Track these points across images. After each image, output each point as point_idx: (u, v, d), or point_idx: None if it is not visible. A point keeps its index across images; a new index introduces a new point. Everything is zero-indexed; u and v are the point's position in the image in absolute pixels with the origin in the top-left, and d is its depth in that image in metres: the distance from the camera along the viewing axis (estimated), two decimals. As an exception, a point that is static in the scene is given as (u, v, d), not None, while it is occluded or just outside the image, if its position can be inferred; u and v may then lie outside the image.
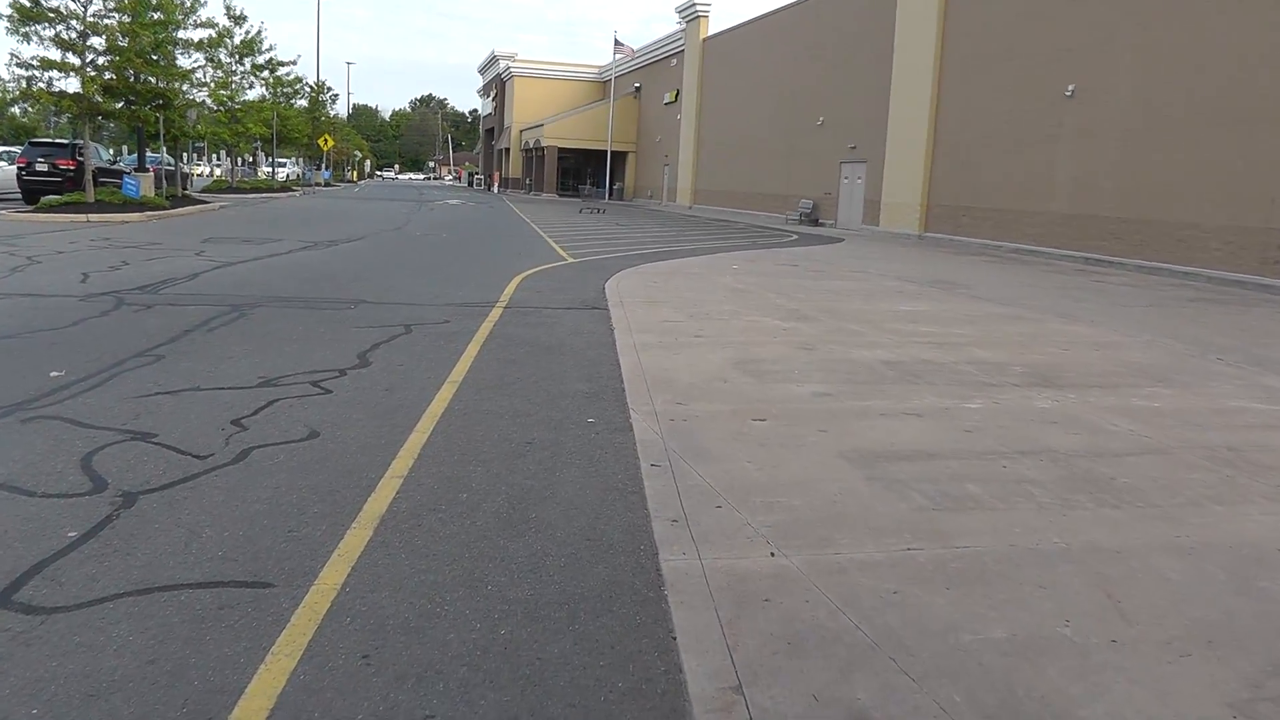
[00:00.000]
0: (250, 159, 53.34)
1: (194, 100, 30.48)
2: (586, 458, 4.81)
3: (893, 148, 27.70)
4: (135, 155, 29.60)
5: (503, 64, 69.79)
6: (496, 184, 70.31)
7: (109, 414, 5.20)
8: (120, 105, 24.06)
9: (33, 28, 21.09)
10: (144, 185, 23.96)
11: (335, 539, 3.62)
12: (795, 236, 26.57)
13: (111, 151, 44.11)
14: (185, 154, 45.53)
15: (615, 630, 3.00)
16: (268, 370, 6.46)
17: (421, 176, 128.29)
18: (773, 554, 3.56)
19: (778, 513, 4.00)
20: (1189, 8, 17.63)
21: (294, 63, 50.11)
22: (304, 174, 60.78)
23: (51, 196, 21.83)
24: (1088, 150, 20.03)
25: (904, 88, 27.04)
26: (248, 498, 4.01)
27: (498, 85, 74.56)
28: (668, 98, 50.93)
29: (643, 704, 2.60)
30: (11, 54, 27.21)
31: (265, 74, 37.30)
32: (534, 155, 64.24)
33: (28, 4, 20.73)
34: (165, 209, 23.15)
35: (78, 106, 21.91)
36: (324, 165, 65.15)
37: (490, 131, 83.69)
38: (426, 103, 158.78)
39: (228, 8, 33.54)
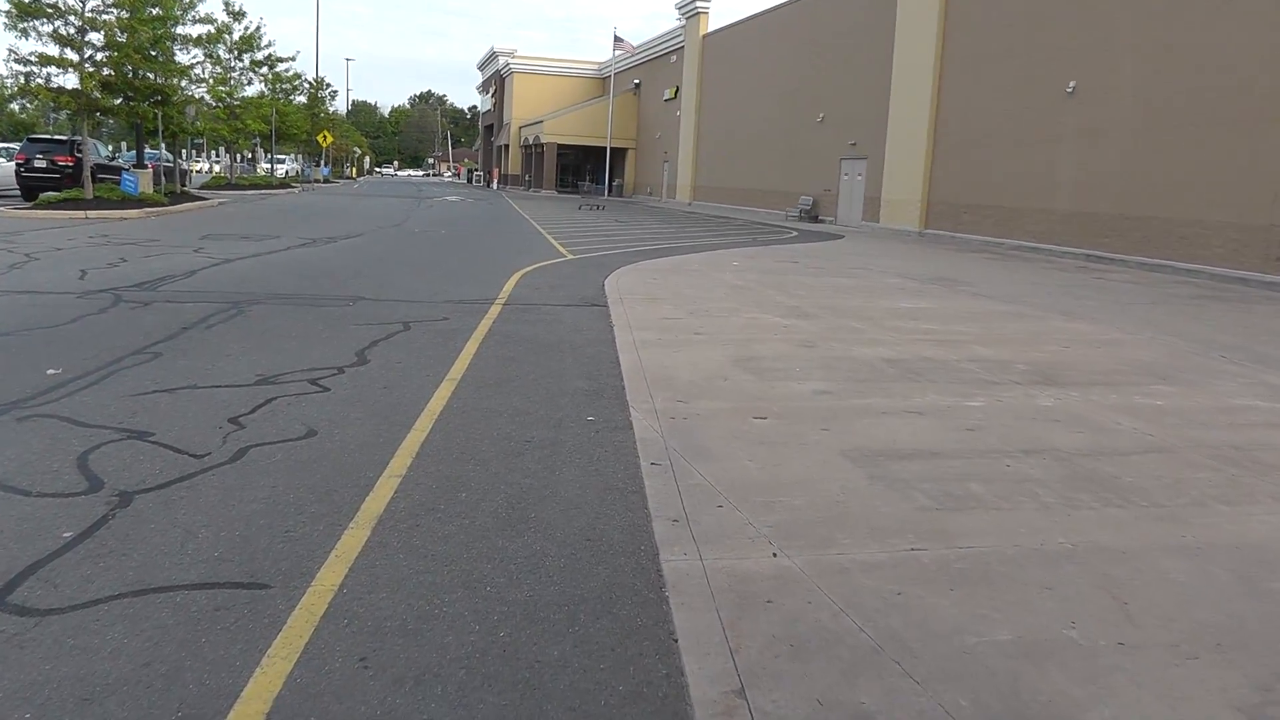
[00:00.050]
0: (249, 155, 53.20)
1: (192, 96, 30.42)
2: (586, 456, 4.78)
3: (893, 144, 27.64)
4: (134, 152, 29.52)
5: (502, 60, 69.66)
6: (496, 181, 70.20)
7: (106, 412, 5.16)
8: (119, 101, 23.99)
9: (31, 23, 21.03)
10: (142, 182, 23.92)
11: (333, 539, 3.58)
12: (795, 233, 26.53)
13: (110, 148, 44.05)
14: (184, 150, 45.49)
15: (615, 632, 2.97)
16: (266, 368, 6.43)
17: (421, 173, 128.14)
18: (775, 554, 3.53)
19: (779, 512, 3.97)
20: (1190, 5, 17.57)
21: (293, 59, 50.13)
22: (303, 170, 60.71)
23: (50, 193, 21.79)
24: (1089, 147, 19.97)
25: (905, 84, 26.98)
26: (245, 497, 3.98)
27: (497, 81, 74.43)
28: (667, 94, 50.84)
29: (644, 708, 2.57)
30: (10, 49, 27.07)
31: (264, 70, 37.26)
32: (533, 152, 64.14)
33: (26, -1, 20.68)
34: (164, 205, 23.11)
35: (76, 102, 21.86)
36: (323, 162, 65.07)
37: (489, 128, 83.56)
38: (426, 99, 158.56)
39: (226, 4, 33.52)
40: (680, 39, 48.67)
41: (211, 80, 33.62)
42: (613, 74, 57.21)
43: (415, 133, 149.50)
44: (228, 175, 42.16)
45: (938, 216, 25.71)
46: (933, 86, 25.69)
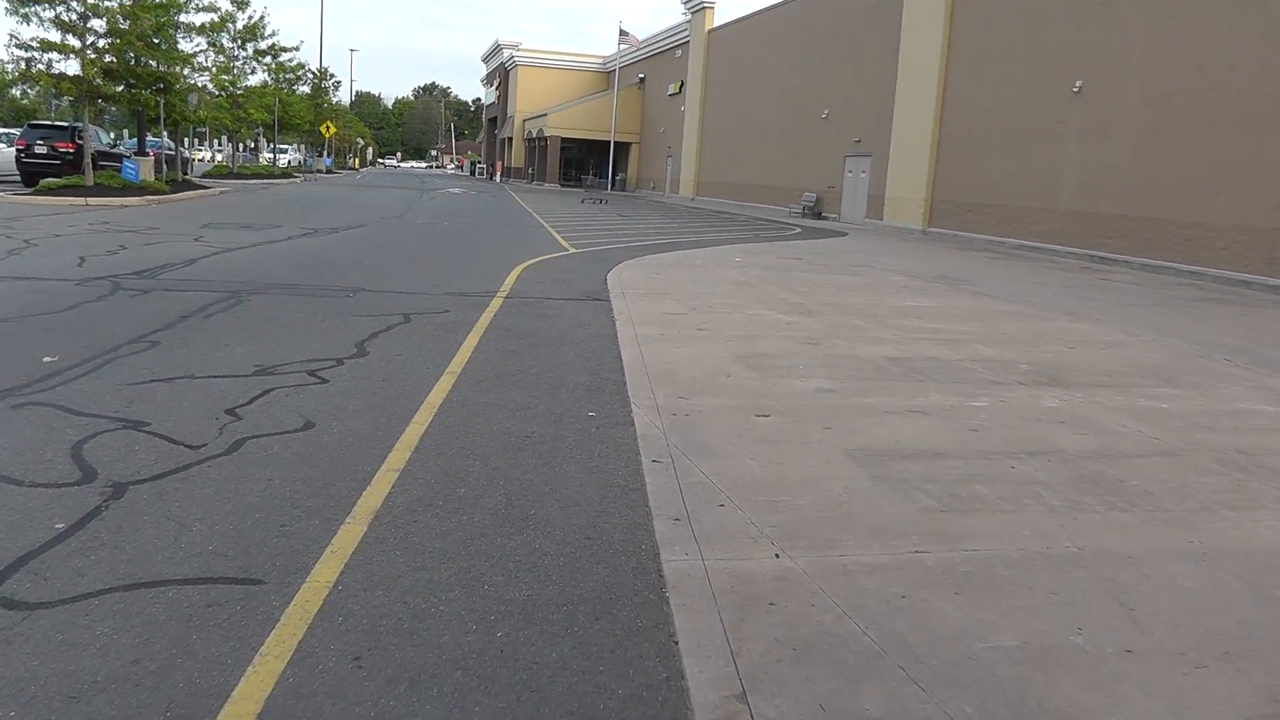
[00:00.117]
0: (252, 145, 53.11)
1: (195, 85, 30.30)
2: (587, 453, 4.72)
3: (897, 142, 27.54)
4: (135, 139, 29.43)
5: (507, 53, 69.49)
6: (499, 173, 70.13)
7: (101, 401, 5.11)
8: (120, 89, 23.90)
9: (32, 8, 20.94)
10: (144, 169, 23.82)
11: (328, 534, 3.53)
12: (798, 230, 26.46)
13: (112, 135, 43.89)
14: (186, 139, 45.35)
15: (615, 634, 2.92)
16: (264, 359, 6.37)
17: (424, 165, 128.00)
18: (777, 555, 3.47)
19: (782, 512, 3.91)
20: (1197, 5, 17.47)
21: (297, 49, 50.05)
22: (305, 161, 60.60)
23: (50, 179, 21.70)
24: (1094, 147, 19.89)
25: (910, 82, 26.88)
26: (240, 490, 3.92)
27: (501, 74, 74.26)
28: (672, 89, 50.71)
29: (643, 712, 2.52)
30: (11, 35, 26.98)
31: (268, 59, 37.17)
32: (537, 145, 64.01)
33: (28, -16, 20.59)
34: (165, 194, 23.03)
35: (77, 89, 21.77)
36: (326, 152, 64.94)
37: (493, 121, 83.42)
38: (430, 91, 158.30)
39: (230, -8, 33.33)
40: (685, 34, 48.53)
41: (214, 69, 33.49)
42: (617, 68, 57.07)
43: (419, 125, 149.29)
44: (230, 164, 42.06)
45: (941, 215, 25.63)
46: (938, 84, 25.59)
